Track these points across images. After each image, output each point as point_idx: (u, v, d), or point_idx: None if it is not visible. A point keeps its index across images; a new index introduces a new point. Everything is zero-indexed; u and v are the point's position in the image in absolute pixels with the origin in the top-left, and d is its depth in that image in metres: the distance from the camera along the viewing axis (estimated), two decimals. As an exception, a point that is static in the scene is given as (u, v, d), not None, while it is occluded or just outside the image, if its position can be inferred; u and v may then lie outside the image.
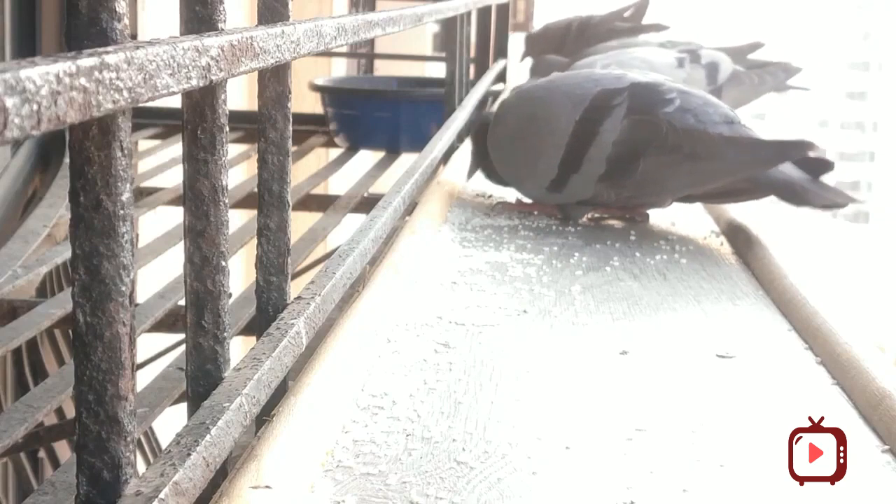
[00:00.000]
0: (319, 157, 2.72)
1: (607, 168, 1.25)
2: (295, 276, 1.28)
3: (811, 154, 1.21)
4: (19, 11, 1.98)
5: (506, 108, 1.37)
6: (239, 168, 2.23)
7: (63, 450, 1.50)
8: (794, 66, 2.06)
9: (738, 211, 1.29)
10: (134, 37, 0.45)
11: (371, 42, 3.67)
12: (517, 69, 2.87)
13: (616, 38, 2.35)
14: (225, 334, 0.56)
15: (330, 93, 2.45)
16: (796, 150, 1.20)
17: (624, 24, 2.62)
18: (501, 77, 2.60)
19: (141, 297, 1.25)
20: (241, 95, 2.98)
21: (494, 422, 0.69)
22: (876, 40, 33.97)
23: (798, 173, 1.21)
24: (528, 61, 2.76)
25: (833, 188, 1.23)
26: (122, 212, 0.42)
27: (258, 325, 0.67)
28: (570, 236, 1.23)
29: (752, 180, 1.23)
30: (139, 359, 1.14)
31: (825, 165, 1.22)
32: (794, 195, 1.21)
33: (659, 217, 1.32)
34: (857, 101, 34.26)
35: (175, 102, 0.53)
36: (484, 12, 2.46)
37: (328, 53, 3.23)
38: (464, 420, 0.69)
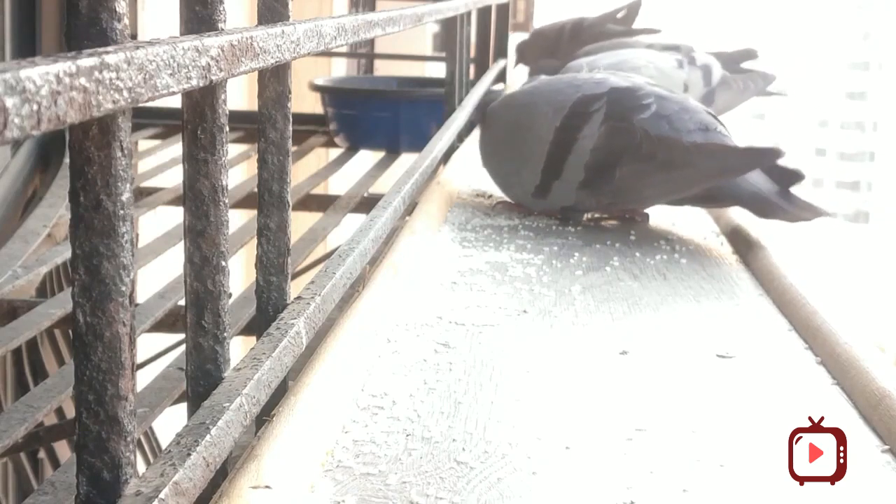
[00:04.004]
0: (319, 157, 2.72)
1: (586, 175, 1.25)
2: (295, 276, 1.27)
3: (782, 163, 1.20)
4: (19, 11, 1.98)
5: (492, 115, 1.38)
6: (239, 168, 2.23)
7: (63, 450, 1.50)
8: (770, 74, 2.10)
9: (738, 211, 1.29)
10: (134, 37, 0.45)
11: (371, 42, 3.67)
12: (515, 71, 2.87)
13: (608, 40, 2.36)
14: (225, 334, 0.56)
15: (330, 93, 2.45)
16: (765, 158, 1.19)
17: (616, 26, 2.64)
18: (501, 77, 2.60)
19: (141, 297, 1.25)
20: (241, 95, 2.98)
21: (494, 422, 0.69)
22: (876, 40, 33.98)
23: (769, 185, 1.20)
24: (522, 68, 2.78)
25: (802, 202, 1.20)
26: (122, 212, 0.42)
27: (258, 325, 0.67)
28: (570, 236, 1.23)
29: (722, 190, 1.22)
30: (139, 359, 1.14)
31: (797, 176, 1.21)
32: (760, 208, 1.20)
33: (659, 217, 1.32)
34: (857, 101, 34.27)
35: (175, 102, 0.53)
36: (484, 12, 2.46)
37: (328, 53, 3.23)
38: (464, 420, 0.69)
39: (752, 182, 1.20)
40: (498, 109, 1.37)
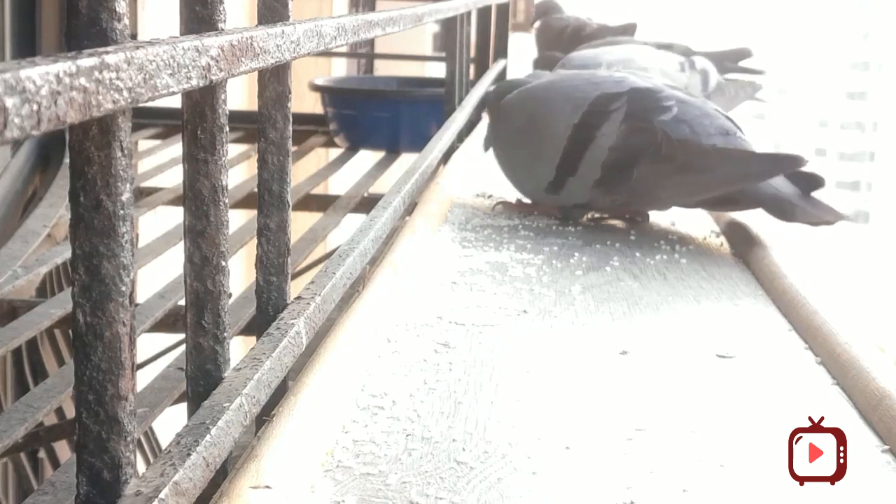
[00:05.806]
0: (319, 157, 2.72)
1: (602, 173, 1.24)
2: (295, 276, 1.27)
3: (803, 169, 1.20)
4: (19, 11, 1.98)
5: (507, 107, 1.37)
6: (239, 168, 2.23)
7: (63, 450, 1.50)
8: (757, 83, 2.12)
9: (738, 212, 1.29)
10: (134, 37, 0.45)
11: (371, 42, 3.67)
12: (517, 69, 2.88)
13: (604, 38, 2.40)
14: (225, 334, 0.56)
15: (330, 93, 2.45)
16: (787, 165, 1.19)
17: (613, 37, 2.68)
18: (501, 77, 2.59)
19: (141, 297, 1.25)
20: (241, 95, 2.98)
21: (494, 422, 0.69)
22: (876, 40, 33.96)
23: (789, 188, 1.20)
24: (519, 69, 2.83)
25: (824, 205, 1.20)
26: (122, 212, 0.42)
27: (258, 325, 0.67)
28: (570, 236, 1.23)
29: (742, 193, 1.22)
30: (139, 359, 1.14)
31: (817, 181, 1.21)
32: (782, 210, 1.20)
33: (659, 217, 1.32)
34: (857, 101, 34.25)
35: (175, 102, 0.53)
36: (484, 12, 2.46)
37: (328, 53, 3.23)
38: (464, 420, 0.69)
39: (773, 185, 1.20)
40: (513, 102, 1.36)
